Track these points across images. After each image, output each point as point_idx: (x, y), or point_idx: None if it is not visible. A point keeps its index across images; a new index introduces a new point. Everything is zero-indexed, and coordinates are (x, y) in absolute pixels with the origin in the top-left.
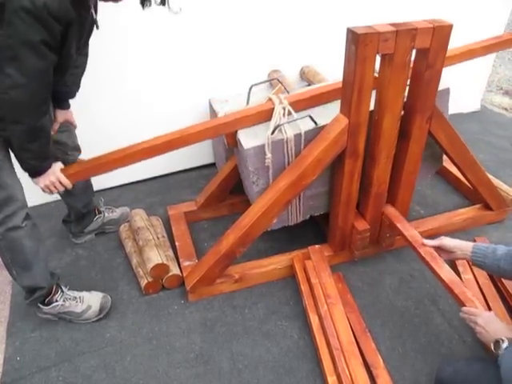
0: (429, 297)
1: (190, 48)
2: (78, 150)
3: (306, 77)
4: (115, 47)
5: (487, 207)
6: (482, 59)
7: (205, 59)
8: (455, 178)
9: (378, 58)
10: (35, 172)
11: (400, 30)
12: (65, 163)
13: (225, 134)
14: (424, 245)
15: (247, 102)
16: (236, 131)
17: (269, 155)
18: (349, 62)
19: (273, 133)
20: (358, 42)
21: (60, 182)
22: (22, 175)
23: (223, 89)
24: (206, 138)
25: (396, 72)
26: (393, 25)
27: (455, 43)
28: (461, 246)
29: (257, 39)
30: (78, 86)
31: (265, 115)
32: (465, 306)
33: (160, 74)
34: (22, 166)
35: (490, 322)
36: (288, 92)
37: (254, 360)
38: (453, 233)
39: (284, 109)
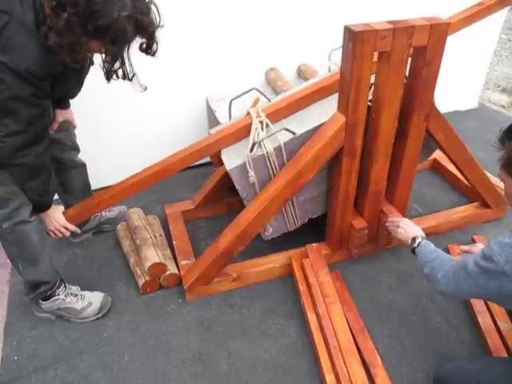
0: (427, 295)
1: (188, 46)
2: (76, 149)
3: (303, 75)
4: None
5: (485, 205)
6: (479, 56)
7: (202, 57)
8: (453, 176)
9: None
10: (38, 207)
11: (397, 27)
12: (64, 162)
13: (210, 156)
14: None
15: (229, 117)
16: (220, 151)
17: (252, 173)
18: (346, 60)
19: (251, 150)
20: (355, 40)
21: (64, 227)
22: None
23: (220, 87)
24: (192, 162)
25: (393, 70)
26: (390, 22)
27: (452, 41)
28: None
29: (254, 37)
30: (79, 89)
31: (244, 131)
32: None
33: (157, 72)
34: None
35: (409, 226)
36: (269, 100)
37: (251, 359)
38: (451, 231)
39: (261, 122)
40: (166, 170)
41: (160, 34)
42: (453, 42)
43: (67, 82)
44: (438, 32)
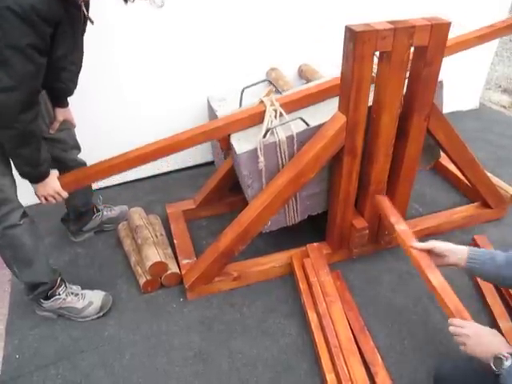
0: (427, 294)
1: (188, 46)
2: (77, 148)
3: (304, 75)
4: (113, 46)
5: (486, 205)
6: (480, 57)
7: (203, 57)
8: (454, 176)
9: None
10: (32, 178)
11: (398, 27)
12: (65, 161)
13: (218, 139)
14: (412, 247)
15: (240, 105)
16: (229, 135)
17: (261, 159)
18: (347, 60)
19: (264, 136)
20: (356, 40)
21: (58, 193)
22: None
23: (221, 87)
24: (199, 143)
25: (394, 70)
26: (391, 22)
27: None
28: (455, 250)
29: (255, 37)
30: (75, 84)
31: (256, 118)
32: (453, 316)
33: (158, 72)
34: (18, 172)
35: (483, 335)
36: (281, 92)
37: (252, 358)
38: (452, 231)
39: (275, 111)
40: (172, 147)
41: (161, 34)
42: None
43: (65, 41)
44: (438, 32)
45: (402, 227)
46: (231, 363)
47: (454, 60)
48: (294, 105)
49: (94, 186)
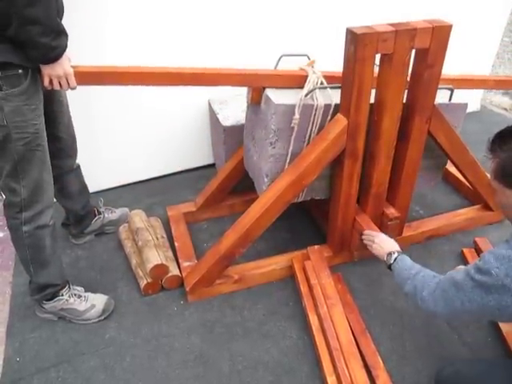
0: None
1: (189, 47)
2: (73, 139)
3: None
4: (113, 47)
5: (487, 207)
6: (481, 59)
7: (203, 59)
8: (455, 179)
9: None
10: (49, 56)
11: (399, 30)
12: (60, 167)
13: (251, 88)
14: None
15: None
16: (263, 88)
17: (297, 116)
18: (348, 62)
19: (307, 95)
20: (357, 42)
21: (67, 79)
22: None
23: (222, 89)
24: (232, 83)
25: (395, 72)
26: (392, 25)
27: (455, 43)
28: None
29: (255, 39)
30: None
31: (297, 80)
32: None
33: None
34: (32, 54)
35: (384, 241)
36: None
37: (253, 361)
38: (453, 233)
39: (318, 78)
40: (207, 78)
41: (161, 36)
42: (455, 45)
43: None
44: (440, 34)
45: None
46: (232, 366)
47: (455, 62)
48: (333, 81)
49: (95, 188)
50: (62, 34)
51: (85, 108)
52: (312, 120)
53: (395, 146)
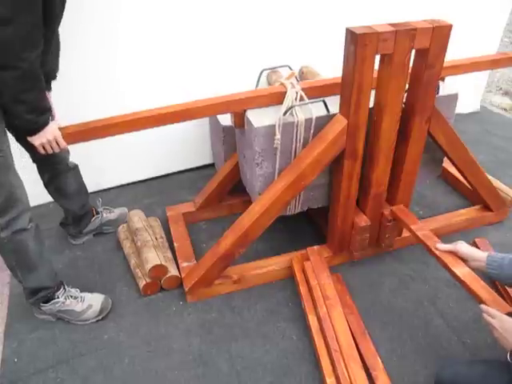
0: (428, 298)
1: (189, 49)
2: (67, 151)
3: (305, 77)
4: (113, 48)
5: (487, 208)
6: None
7: (203, 61)
8: (455, 179)
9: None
10: (32, 129)
11: (399, 30)
12: (56, 167)
13: (233, 113)
14: (437, 249)
15: (256, 87)
16: (245, 111)
17: (278, 136)
18: (348, 63)
19: (285, 114)
20: (357, 42)
21: (56, 142)
22: (22, 177)
23: (220, 90)
24: (215, 113)
25: (395, 72)
26: (392, 25)
27: (454, 44)
28: (474, 255)
29: (255, 40)
30: (57, 66)
31: (276, 98)
32: (484, 303)
33: (158, 75)
34: (17, 123)
35: (509, 329)
36: (298, 80)
37: (252, 362)
38: (452, 234)
39: (297, 93)
40: (187, 113)
41: (160, 37)
42: (455, 45)
43: (55, 9)
44: (440, 34)
45: (423, 232)
46: (231, 367)
47: None
48: (314, 91)
49: (94, 188)
50: (47, 111)
51: (84, 107)
52: (295, 136)
53: (395, 146)
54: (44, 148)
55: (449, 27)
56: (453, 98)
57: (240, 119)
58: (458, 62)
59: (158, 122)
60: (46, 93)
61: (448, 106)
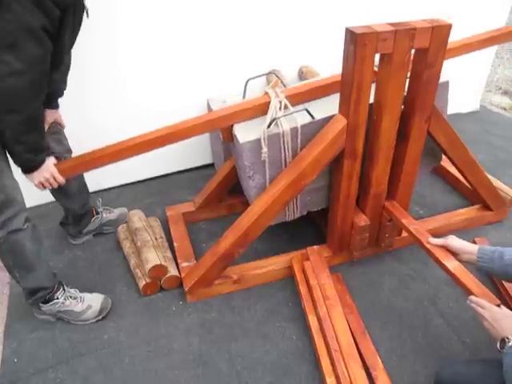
0: (428, 298)
1: (188, 48)
2: (69, 151)
3: (304, 77)
4: (113, 48)
5: (486, 207)
6: (480, 59)
7: (203, 59)
8: (454, 178)
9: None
10: (30, 167)
11: (399, 29)
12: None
13: (221, 129)
14: (429, 243)
15: (243, 97)
16: (232, 125)
17: (265, 149)
18: (347, 62)
19: (269, 126)
20: (357, 42)
21: (54, 178)
22: (19, 177)
23: (221, 89)
24: (202, 132)
25: (395, 72)
26: (391, 24)
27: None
28: (465, 248)
29: (255, 39)
30: (65, 84)
31: (261, 109)
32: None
33: (158, 74)
34: (15, 160)
35: (499, 319)
36: (285, 86)
37: (252, 361)
38: (452, 233)
39: (280, 102)
40: (174, 135)
41: (162, 36)
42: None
43: (66, 32)
44: (439, 34)
45: (415, 226)
46: (231, 367)
47: (455, 62)
48: (299, 97)
49: (93, 188)
50: (44, 150)
51: (83, 107)
52: (283, 146)
53: (395, 145)
54: (43, 185)
55: (448, 27)
56: (444, 86)
57: (228, 134)
58: (449, 46)
59: (143, 149)
60: (54, 111)
61: (440, 94)
